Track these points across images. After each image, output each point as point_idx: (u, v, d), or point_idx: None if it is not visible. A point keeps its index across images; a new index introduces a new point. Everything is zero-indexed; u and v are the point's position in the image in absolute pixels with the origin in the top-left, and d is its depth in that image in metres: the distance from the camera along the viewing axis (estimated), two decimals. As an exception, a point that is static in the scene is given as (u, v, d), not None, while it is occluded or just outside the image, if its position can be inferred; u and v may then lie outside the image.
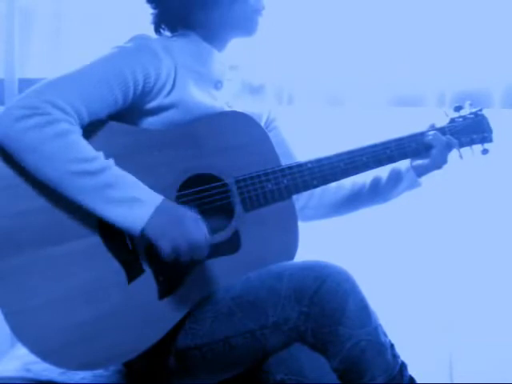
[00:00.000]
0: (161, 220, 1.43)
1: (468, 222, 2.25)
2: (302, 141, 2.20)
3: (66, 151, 1.41)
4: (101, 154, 1.45)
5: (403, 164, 1.78)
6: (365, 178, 1.81)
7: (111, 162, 1.45)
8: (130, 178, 1.45)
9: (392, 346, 1.50)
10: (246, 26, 1.68)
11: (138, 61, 1.54)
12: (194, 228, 1.46)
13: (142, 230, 1.42)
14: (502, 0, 2.21)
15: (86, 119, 1.47)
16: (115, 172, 1.44)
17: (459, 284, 2.24)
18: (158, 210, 1.43)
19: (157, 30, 1.70)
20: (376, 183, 1.81)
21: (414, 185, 1.79)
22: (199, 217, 1.48)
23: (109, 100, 1.50)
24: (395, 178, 1.79)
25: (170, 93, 1.58)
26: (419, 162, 1.76)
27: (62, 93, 1.45)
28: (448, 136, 1.75)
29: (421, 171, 1.76)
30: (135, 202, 1.42)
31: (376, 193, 1.82)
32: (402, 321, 2.13)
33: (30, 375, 1.67)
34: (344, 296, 1.44)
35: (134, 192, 1.43)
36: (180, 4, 1.64)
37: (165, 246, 1.44)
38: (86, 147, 1.44)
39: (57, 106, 1.42)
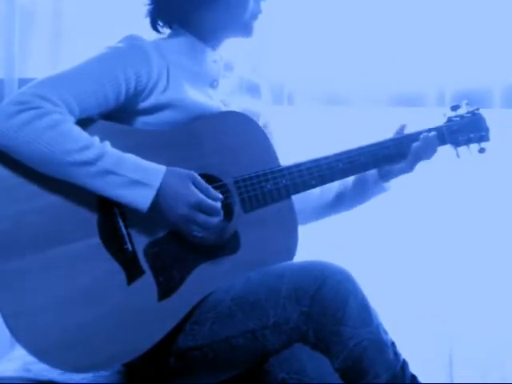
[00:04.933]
0: (163, 197, 1.46)
1: (467, 221, 2.25)
2: (302, 141, 2.20)
3: (60, 142, 1.42)
4: (96, 139, 1.46)
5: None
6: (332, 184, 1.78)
7: (107, 145, 1.46)
8: (128, 160, 1.46)
9: (393, 344, 1.50)
10: (242, 29, 1.69)
11: (129, 60, 1.55)
12: (191, 191, 1.49)
13: (148, 210, 1.45)
14: (502, 0, 2.21)
15: (77, 113, 1.48)
16: (113, 156, 1.45)
17: (459, 283, 2.23)
18: (160, 189, 1.46)
19: (153, 26, 1.70)
20: (343, 190, 1.81)
21: (380, 189, 1.79)
22: (197, 177, 1.51)
23: (100, 97, 1.51)
24: (360, 184, 1.79)
25: (164, 92, 1.59)
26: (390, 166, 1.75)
27: (52, 87, 1.46)
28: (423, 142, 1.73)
29: (389, 176, 1.76)
30: (137, 185, 1.44)
31: (342, 200, 1.82)
32: (401, 320, 2.13)
33: (29, 375, 1.67)
34: (345, 295, 1.44)
35: (134, 175, 1.45)
36: (176, 4, 1.65)
37: (174, 216, 1.48)
38: (79, 135, 1.45)
39: (46, 98, 1.43)
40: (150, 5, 1.69)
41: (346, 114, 2.29)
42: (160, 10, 1.68)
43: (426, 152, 1.74)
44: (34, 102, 1.42)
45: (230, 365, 1.52)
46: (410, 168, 1.75)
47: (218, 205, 1.52)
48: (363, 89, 2.27)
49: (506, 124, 2.16)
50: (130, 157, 1.47)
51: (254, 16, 1.68)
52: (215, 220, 1.52)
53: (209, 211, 1.50)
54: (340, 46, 2.27)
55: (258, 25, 1.71)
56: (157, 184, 1.46)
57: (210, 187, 1.52)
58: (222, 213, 1.53)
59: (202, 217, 1.50)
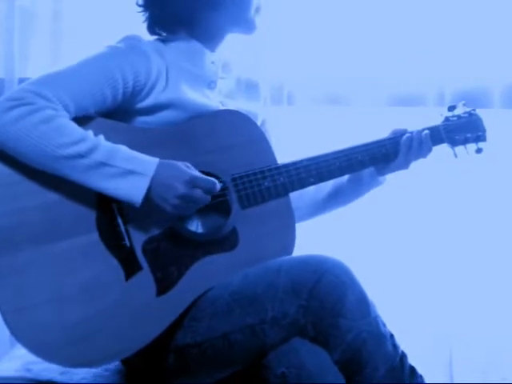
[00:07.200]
0: (158, 186, 1.45)
1: (467, 221, 2.25)
2: (301, 141, 2.21)
3: (53, 136, 1.41)
4: (90, 133, 1.45)
5: None
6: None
7: (101, 138, 1.46)
8: (122, 152, 1.46)
9: (392, 336, 1.51)
10: (247, 25, 1.70)
11: (127, 60, 1.55)
12: (184, 171, 1.48)
13: (143, 201, 1.44)
14: (502, 0, 2.21)
15: (72, 110, 1.48)
16: (106, 148, 1.44)
17: (459, 283, 2.23)
18: (154, 178, 1.45)
19: (152, 31, 1.69)
20: (339, 184, 1.82)
21: (376, 183, 1.80)
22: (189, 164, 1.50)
23: (96, 96, 1.51)
24: (356, 178, 1.79)
25: (163, 92, 1.59)
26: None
27: (48, 85, 1.46)
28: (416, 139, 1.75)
29: (385, 171, 1.78)
30: (131, 175, 1.44)
31: (338, 194, 1.82)
32: (401, 320, 2.12)
33: (30, 375, 1.67)
34: (343, 288, 1.45)
35: (128, 165, 1.44)
36: (182, 6, 1.64)
37: (172, 201, 1.46)
38: (73, 129, 1.44)
39: (40, 94, 1.43)
40: (147, 10, 1.69)
41: (346, 114, 2.29)
42: (162, 15, 1.67)
43: (421, 150, 1.75)
44: (27, 98, 1.42)
45: (229, 362, 1.52)
46: (405, 165, 1.76)
47: (216, 181, 1.51)
48: (363, 89, 2.27)
49: (505, 124, 2.16)
50: (123, 148, 1.47)
51: (258, 11, 1.69)
52: (208, 198, 1.51)
53: (204, 185, 1.49)
54: (340, 46, 2.27)
55: (258, 23, 1.71)
56: (151, 173, 1.45)
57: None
58: (218, 186, 1.51)
59: (198, 192, 1.49)
